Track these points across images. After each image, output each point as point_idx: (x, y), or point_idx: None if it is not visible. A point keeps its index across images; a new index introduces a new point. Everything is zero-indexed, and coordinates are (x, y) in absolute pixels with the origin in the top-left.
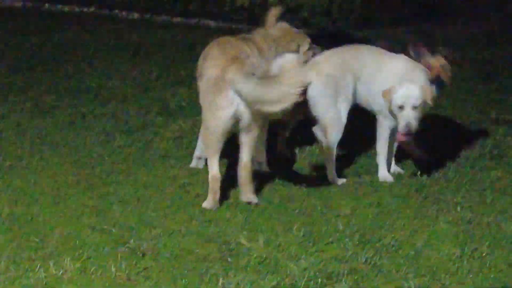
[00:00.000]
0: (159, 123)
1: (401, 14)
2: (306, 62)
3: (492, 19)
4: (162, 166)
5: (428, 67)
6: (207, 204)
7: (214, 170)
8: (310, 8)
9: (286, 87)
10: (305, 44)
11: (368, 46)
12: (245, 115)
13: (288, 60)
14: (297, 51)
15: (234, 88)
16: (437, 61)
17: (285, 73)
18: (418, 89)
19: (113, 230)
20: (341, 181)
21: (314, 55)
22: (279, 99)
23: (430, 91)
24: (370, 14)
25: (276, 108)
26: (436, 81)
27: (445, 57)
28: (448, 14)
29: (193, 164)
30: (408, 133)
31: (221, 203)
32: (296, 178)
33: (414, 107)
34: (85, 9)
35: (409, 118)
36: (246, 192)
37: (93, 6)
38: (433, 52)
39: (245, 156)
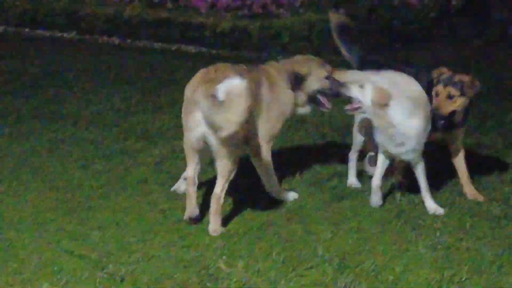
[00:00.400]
0: (138, 148)
1: (379, 41)
2: (327, 90)
3: (470, 45)
4: (141, 191)
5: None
6: (186, 213)
7: (189, 173)
8: (290, 34)
9: (228, 114)
10: (318, 70)
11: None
12: (210, 139)
13: (233, 84)
14: (307, 75)
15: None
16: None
17: (231, 98)
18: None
19: (92, 255)
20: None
21: (334, 84)
22: (221, 125)
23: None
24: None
25: (221, 133)
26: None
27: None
28: (424, 40)
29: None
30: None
31: (201, 228)
32: (276, 203)
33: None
34: (66, 34)
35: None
36: (211, 223)
37: (74, 31)
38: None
39: (216, 185)
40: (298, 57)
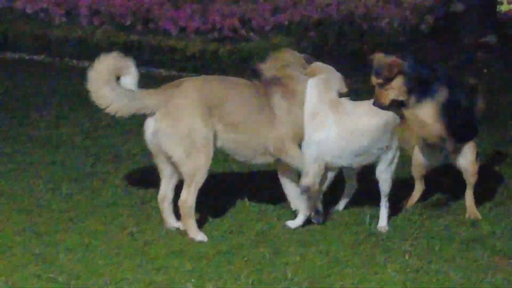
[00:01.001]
0: (108, 171)
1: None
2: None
3: None
4: (110, 214)
5: None
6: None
7: (160, 189)
8: (260, 57)
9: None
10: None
11: None
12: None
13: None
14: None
15: None
16: None
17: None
18: None
19: (60, 278)
20: None
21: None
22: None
23: None
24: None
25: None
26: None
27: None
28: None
29: None
30: None
31: (170, 251)
32: (245, 226)
33: None
34: (35, 57)
35: None
36: (188, 233)
37: (43, 54)
38: None
39: (182, 192)
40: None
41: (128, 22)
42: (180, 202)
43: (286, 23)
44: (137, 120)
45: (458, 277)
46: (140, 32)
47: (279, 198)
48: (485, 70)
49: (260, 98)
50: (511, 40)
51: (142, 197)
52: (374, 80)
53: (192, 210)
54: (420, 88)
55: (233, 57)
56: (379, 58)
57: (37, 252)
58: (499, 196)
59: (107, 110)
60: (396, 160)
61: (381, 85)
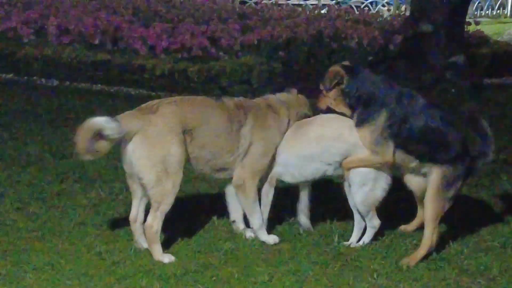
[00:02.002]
0: (76, 190)
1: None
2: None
3: None
4: (78, 234)
5: None
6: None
7: (132, 211)
8: (229, 77)
9: None
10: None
11: None
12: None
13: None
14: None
15: None
16: None
17: None
18: None
19: None
20: None
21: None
22: None
23: None
24: (288, 84)
25: None
26: None
27: None
28: None
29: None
30: None
31: (138, 271)
32: (213, 245)
33: None
34: (3, 75)
35: None
36: (153, 255)
37: (11, 73)
38: None
39: (148, 216)
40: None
41: (97, 41)
42: (145, 226)
43: (255, 42)
44: None
45: None
46: (109, 51)
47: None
48: (453, 90)
49: (231, 123)
50: (479, 60)
51: (111, 216)
52: (320, 85)
53: (157, 235)
54: (362, 107)
55: (202, 76)
56: (332, 67)
57: (3, 272)
58: (466, 215)
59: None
60: (377, 186)
61: (322, 92)
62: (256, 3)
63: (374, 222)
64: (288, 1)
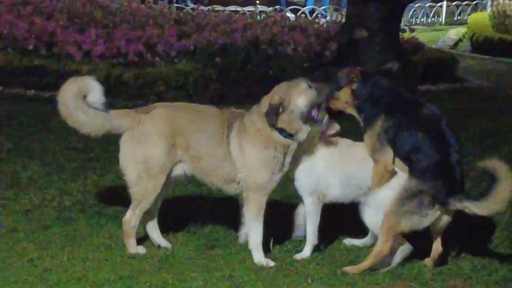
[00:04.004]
0: (8, 196)
1: (254, 90)
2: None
3: None
4: (9, 240)
5: None
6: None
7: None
8: (165, 83)
9: None
10: (295, 88)
11: None
12: None
13: None
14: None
15: None
16: None
17: None
18: None
19: None
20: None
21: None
22: None
23: None
24: (224, 90)
25: None
26: None
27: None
28: None
29: None
30: None
31: (71, 277)
32: (148, 251)
33: None
34: None
35: None
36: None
37: None
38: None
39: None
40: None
41: (31, 46)
42: (124, 221)
43: (192, 48)
44: (40, 145)
45: None
46: (43, 56)
47: (182, 223)
48: None
49: (223, 132)
50: (413, 67)
51: (43, 223)
52: (330, 86)
53: (134, 230)
54: (367, 110)
55: (138, 82)
56: (344, 68)
57: None
58: None
59: (82, 131)
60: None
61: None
62: (192, 9)
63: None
64: (225, 8)
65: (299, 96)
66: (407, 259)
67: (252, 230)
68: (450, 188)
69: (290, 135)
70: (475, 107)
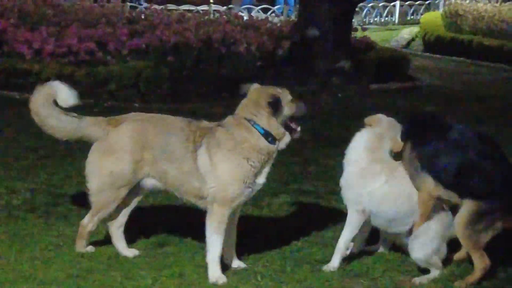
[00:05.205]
0: None
1: (207, 89)
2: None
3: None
4: None
5: None
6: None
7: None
8: (118, 81)
9: None
10: (284, 93)
11: None
12: None
13: None
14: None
15: None
16: None
17: None
18: None
19: None
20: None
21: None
22: None
23: None
24: (176, 88)
25: None
26: None
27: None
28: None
29: None
30: None
31: (19, 276)
32: (97, 250)
33: None
34: None
35: None
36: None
37: None
38: None
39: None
40: (253, 92)
41: None
42: (81, 223)
43: (144, 47)
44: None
45: None
46: None
47: (131, 222)
48: (339, 95)
49: (187, 147)
50: (365, 66)
51: None
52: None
53: (89, 234)
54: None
55: (90, 81)
56: None
57: None
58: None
59: (57, 137)
60: None
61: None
62: (146, 8)
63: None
64: (179, 7)
65: (290, 100)
66: (358, 256)
67: (211, 244)
68: None
69: (273, 141)
70: (424, 104)
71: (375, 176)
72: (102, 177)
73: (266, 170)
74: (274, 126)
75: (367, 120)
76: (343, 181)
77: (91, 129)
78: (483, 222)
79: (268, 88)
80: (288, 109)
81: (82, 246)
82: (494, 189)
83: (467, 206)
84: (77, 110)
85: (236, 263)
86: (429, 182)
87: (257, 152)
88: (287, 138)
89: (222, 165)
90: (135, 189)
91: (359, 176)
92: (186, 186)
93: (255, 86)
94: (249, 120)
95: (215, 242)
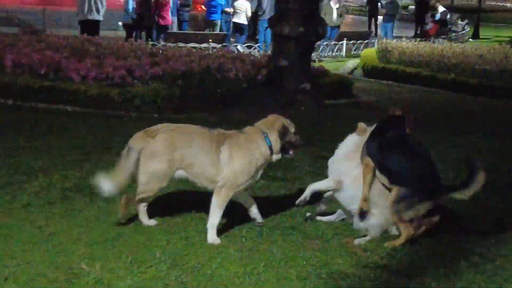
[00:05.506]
0: (23, 180)
1: (208, 103)
2: (294, 142)
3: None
4: (24, 213)
5: None
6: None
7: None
8: (141, 98)
9: None
10: (291, 126)
11: None
12: None
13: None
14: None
15: None
16: None
17: None
18: None
19: None
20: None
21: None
22: None
23: None
24: (185, 104)
25: None
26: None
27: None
28: (239, 103)
29: None
30: None
31: (69, 239)
32: (126, 221)
33: None
34: None
35: None
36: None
37: None
38: None
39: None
40: (272, 117)
41: (43, 71)
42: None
43: (161, 73)
44: (48, 143)
45: (279, 254)
46: (52, 79)
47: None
48: (302, 108)
49: (212, 145)
50: (321, 87)
51: (49, 200)
52: None
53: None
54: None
55: (121, 98)
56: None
57: None
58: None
59: None
60: None
61: None
62: (163, 45)
63: None
64: (186, 44)
65: (293, 132)
66: (314, 224)
67: (213, 214)
68: (433, 189)
69: (271, 154)
70: (364, 115)
71: (353, 161)
72: (149, 174)
73: (261, 171)
74: (277, 144)
75: (358, 128)
76: (331, 160)
77: (136, 142)
78: (404, 203)
79: (283, 118)
80: (290, 137)
81: (146, 220)
82: (411, 179)
83: (394, 191)
84: (112, 118)
85: (259, 218)
86: (368, 159)
87: (263, 156)
88: (279, 156)
89: (238, 160)
90: None
91: (344, 158)
92: (206, 174)
93: (275, 115)
94: (263, 133)
95: (217, 214)
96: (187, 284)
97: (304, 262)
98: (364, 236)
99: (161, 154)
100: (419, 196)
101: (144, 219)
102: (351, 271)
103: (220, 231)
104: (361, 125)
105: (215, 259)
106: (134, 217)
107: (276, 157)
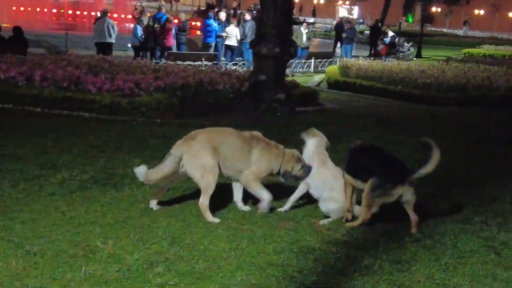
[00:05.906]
0: (49, 173)
1: (201, 111)
2: (298, 175)
3: (251, 114)
4: (49, 200)
5: None
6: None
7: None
8: (146, 106)
9: None
10: (298, 163)
11: None
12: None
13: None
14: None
15: None
16: None
17: None
18: None
19: (15, 239)
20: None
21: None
22: None
23: None
24: (183, 111)
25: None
26: None
27: None
28: (227, 110)
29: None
30: None
31: (87, 221)
32: (134, 204)
33: None
34: (5, 105)
35: None
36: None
37: (10, 103)
38: None
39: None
40: (295, 151)
41: (65, 84)
42: (200, 204)
43: (163, 86)
44: (69, 143)
45: (259, 232)
46: (72, 91)
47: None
48: (278, 114)
49: (244, 145)
50: (293, 97)
51: (71, 190)
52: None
53: (207, 208)
54: None
55: (130, 106)
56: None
57: (1, 224)
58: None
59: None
60: None
61: None
62: (164, 63)
63: None
64: (183, 62)
65: (302, 165)
66: (290, 210)
67: (259, 196)
68: (401, 175)
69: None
70: (329, 119)
71: (315, 161)
72: (200, 168)
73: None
74: (289, 168)
75: (310, 131)
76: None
77: (178, 150)
78: (379, 190)
79: (300, 155)
80: (298, 169)
81: (210, 217)
82: (381, 170)
83: (369, 182)
84: (122, 123)
85: (243, 206)
86: (347, 176)
87: (278, 163)
88: (281, 178)
89: (264, 159)
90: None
91: (308, 160)
92: (236, 166)
93: (296, 151)
94: (283, 153)
95: (260, 193)
96: (184, 258)
97: (280, 239)
98: (328, 217)
99: (204, 149)
100: (391, 182)
101: (153, 204)
102: (318, 246)
103: (213, 213)
104: (313, 129)
105: (206, 237)
106: (140, 204)
107: (278, 176)
